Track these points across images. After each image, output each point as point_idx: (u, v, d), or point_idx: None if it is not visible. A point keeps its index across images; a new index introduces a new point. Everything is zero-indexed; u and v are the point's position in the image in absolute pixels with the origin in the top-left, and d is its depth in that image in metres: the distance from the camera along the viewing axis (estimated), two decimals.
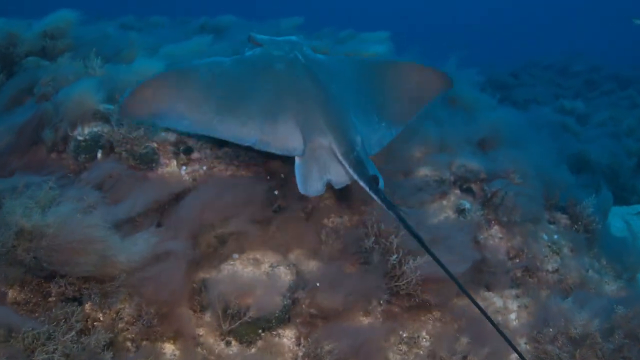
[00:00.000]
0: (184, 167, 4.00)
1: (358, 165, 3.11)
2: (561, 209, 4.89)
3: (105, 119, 3.97)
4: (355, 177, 3.10)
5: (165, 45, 5.31)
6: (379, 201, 3.02)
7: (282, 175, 4.01)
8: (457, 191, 4.38)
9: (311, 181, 3.19)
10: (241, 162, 4.01)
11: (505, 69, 25.06)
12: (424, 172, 4.34)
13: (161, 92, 3.38)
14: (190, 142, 4.08)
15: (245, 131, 3.26)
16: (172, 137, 4.06)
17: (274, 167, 4.06)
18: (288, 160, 3.69)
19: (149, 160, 3.90)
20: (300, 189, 3.21)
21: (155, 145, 3.97)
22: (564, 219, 4.82)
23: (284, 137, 3.25)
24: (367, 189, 3.04)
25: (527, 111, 13.02)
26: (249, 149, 3.63)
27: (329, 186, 3.40)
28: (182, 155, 4.03)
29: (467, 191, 4.42)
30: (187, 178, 3.96)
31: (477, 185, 4.45)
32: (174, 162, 4.01)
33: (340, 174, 3.22)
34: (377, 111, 3.60)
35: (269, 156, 3.84)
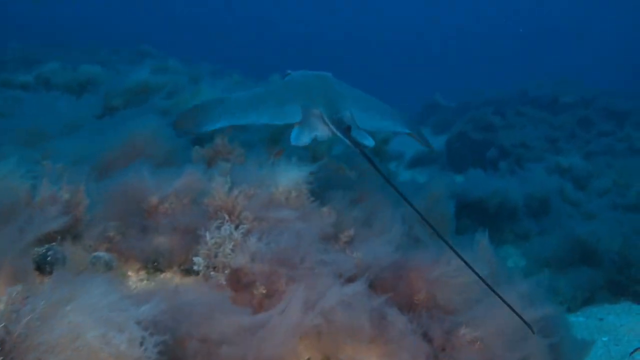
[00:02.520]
0: None
1: (338, 122, 3.84)
2: None
3: None
4: (334, 129, 3.81)
5: None
6: (347, 141, 3.73)
7: None
8: None
9: (302, 136, 3.77)
10: None
11: (488, 96, 23.60)
12: None
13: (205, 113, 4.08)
14: None
15: (262, 119, 3.91)
16: None
17: None
18: None
19: None
20: (292, 140, 3.74)
21: None
22: None
23: (287, 114, 3.91)
24: (340, 135, 3.77)
25: (518, 173, 11.38)
26: None
27: None
28: None
29: None
30: None
31: None
32: None
33: (324, 130, 3.87)
34: (380, 115, 4.33)
35: None
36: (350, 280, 3.00)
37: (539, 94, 20.90)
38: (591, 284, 7.84)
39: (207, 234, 3.06)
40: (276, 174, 3.51)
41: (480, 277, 2.82)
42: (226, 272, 2.96)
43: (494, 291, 2.86)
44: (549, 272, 8.21)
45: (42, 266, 2.99)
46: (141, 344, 2.05)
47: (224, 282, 2.92)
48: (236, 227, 3.15)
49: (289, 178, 3.49)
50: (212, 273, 2.99)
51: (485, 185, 9.08)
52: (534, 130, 16.23)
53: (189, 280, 3.13)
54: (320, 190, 4.03)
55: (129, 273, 3.20)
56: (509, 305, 2.86)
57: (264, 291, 2.90)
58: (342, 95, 4.22)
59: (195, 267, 3.03)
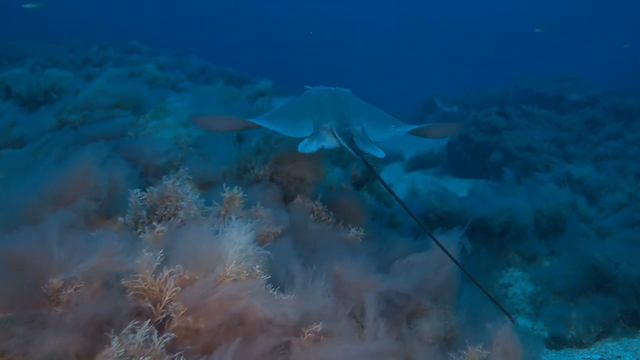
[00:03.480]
0: None
1: (345, 134, 3.97)
2: None
3: None
4: (340, 140, 3.91)
5: None
6: (350, 150, 3.82)
7: None
8: None
9: (309, 146, 3.91)
10: None
11: (489, 94, 22.71)
12: None
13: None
14: None
15: (276, 127, 4.04)
16: None
17: None
18: None
19: None
20: (300, 148, 3.87)
21: None
22: None
23: (300, 129, 4.06)
24: (345, 146, 3.85)
25: (526, 183, 10.54)
26: None
27: None
28: None
29: None
30: None
31: None
32: None
33: (331, 141, 4.01)
34: (395, 124, 4.41)
35: None
36: None
37: (543, 92, 20.04)
38: (607, 316, 6.99)
39: (115, 340, 2.23)
40: (225, 245, 2.66)
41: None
42: None
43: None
44: (559, 301, 7.47)
45: None
46: None
47: None
48: (159, 328, 2.31)
49: (241, 251, 2.64)
50: None
51: (491, 203, 8.23)
52: (541, 131, 15.35)
53: None
54: (285, 252, 3.20)
55: None
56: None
57: None
58: (353, 111, 4.34)
59: None
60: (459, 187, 14.35)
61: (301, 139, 4.00)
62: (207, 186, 4.70)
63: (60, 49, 20.46)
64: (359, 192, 5.41)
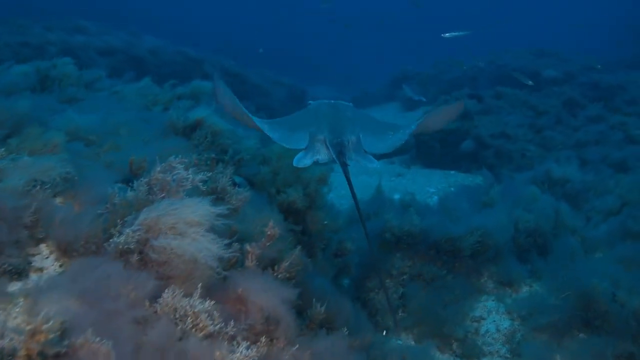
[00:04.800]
0: None
1: (335, 146, 4.07)
2: None
3: None
4: (331, 150, 4.02)
5: None
6: (338, 162, 3.97)
7: None
8: None
9: (304, 159, 4.05)
10: None
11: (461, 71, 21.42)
12: None
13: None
14: None
15: (274, 135, 4.13)
16: None
17: None
18: None
19: None
20: (294, 162, 4.03)
21: None
22: None
23: (296, 140, 4.18)
24: (334, 157, 3.98)
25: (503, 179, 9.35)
26: None
27: None
28: None
29: None
30: None
31: None
32: None
33: (324, 154, 4.11)
34: (392, 134, 4.38)
35: None
36: None
37: (518, 67, 18.85)
38: None
39: None
40: None
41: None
42: None
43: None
44: (541, 339, 6.29)
45: None
46: None
47: None
48: None
49: None
50: None
51: (461, 219, 6.99)
52: (516, 116, 14.17)
53: None
54: None
55: None
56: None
57: None
58: (350, 121, 4.38)
59: None
60: (427, 180, 13.16)
61: (296, 151, 4.11)
62: (72, 252, 3.33)
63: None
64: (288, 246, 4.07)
